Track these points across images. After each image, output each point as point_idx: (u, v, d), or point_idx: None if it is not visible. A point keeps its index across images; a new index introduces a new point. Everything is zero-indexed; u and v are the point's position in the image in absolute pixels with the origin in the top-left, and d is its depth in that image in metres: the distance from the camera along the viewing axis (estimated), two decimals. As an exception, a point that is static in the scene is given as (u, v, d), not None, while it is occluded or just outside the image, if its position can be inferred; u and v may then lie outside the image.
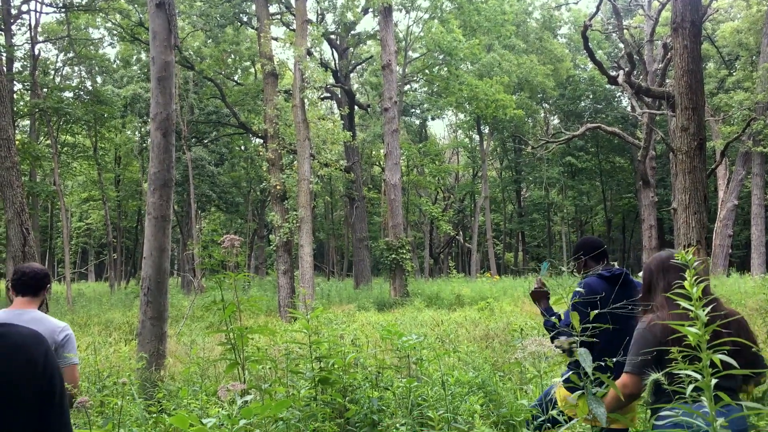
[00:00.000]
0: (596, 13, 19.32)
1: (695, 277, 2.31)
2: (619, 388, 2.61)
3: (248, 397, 2.53)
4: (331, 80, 31.64)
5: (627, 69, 18.17)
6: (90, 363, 7.40)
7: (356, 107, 34.53)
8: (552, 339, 3.55)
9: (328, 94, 33.29)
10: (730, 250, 28.04)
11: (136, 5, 27.01)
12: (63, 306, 22.41)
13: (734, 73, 30.04)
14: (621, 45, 30.01)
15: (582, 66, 45.31)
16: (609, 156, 45.62)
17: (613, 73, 18.75)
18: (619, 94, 42.19)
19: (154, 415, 4.69)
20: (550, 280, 4.03)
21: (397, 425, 3.74)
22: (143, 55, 33.17)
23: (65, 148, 32.50)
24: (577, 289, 3.60)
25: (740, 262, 36.95)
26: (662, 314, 2.67)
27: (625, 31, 22.48)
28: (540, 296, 4.02)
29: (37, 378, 1.77)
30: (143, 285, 7.24)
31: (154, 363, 6.82)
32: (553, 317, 3.78)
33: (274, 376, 4.66)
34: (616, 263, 4.08)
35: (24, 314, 3.65)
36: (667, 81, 20.55)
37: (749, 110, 25.19)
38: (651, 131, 21.62)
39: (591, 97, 43.81)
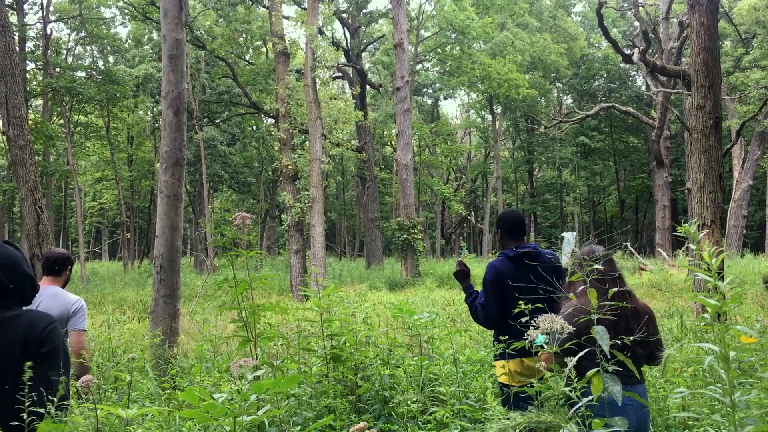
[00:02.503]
0: (611, -10, 19.06)
1: (714, 250, 2.28)
2: (543, 361, 2.81)
3: (259, 372, 2.53)
4: (343, 59, 31.47)
5: (642, 47, 17.95)
6: (104, 340, 7.47)
7: (368, 87, 34.37)
8: (471, 310, 4.04)
9: (340, 74, 33.15)
10: (745, 231, 27.85)
11: (147, -16, 26.91)
12: (77, 285, 22.64)
13: (751, 52, 29.57)
14: (636, 23, 29.65)
15: (596, 44, 44.79)
16: (623, 136, 45.21)
17: (628, 52, 18.54)
18: (634, 72, 41.72)
19: (168, 391, 4.74)
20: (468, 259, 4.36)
21: (409, 402, 3.75)
22: (155, 35, 33.09)
23: (78, 128, 32.63)
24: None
25: (754, 243, 36.71)
26: (582, 300, 2.87)
27: (640, 8, 22.18)
28: (462, 275, 4.23)
29: (33, 344, 2.58)
30: (156, 263, 7.28)
31: (167, 340, 6.88)
32: (472, 294, 4.09)
33: (286, 354, 4.68)
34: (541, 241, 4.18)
35: (46, 290, 4.22)
36: (683, 60, 20.29)
37: (766, 89, 24.85)
38: (666, 110, 21.42)
39: (605, 76, 43.33)
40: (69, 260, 4.52)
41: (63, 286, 4.50)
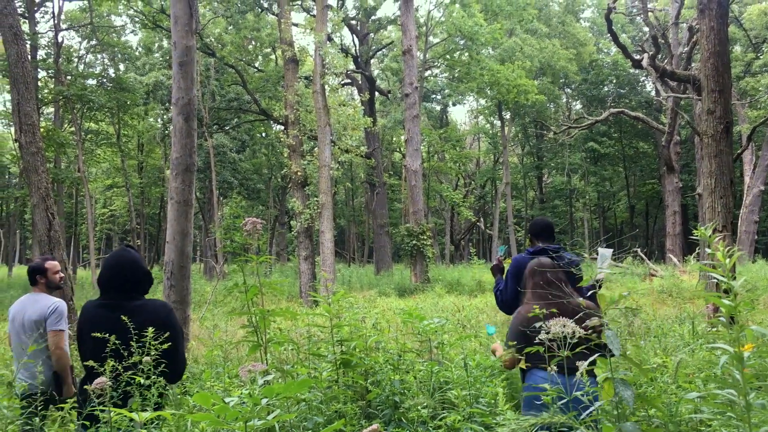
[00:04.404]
0: (620, -5, 19.02)
1: (728, 250, 2.28)
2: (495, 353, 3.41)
3: (270, 377, 2.53)
4: (352, 66, 31.59)
5: (651, 52, 17.92)
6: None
7: (377, 93, 34.42)
8: (495, 297, 4.90)
9: (349, 80, 33.22)
10: (756, 237, 27.65)
11: (157, -8, 27.10)
12: (88, 291, 22.71)
13: (761, 57, 29.46)
14: (645, 28, 29.58)
15: (605, 50, 44.70)
16: (632, 141, 45.06)
17: (638, 57, 18.50)
18: (644, 78, 41.62)
19: (178, 396, 4.74)
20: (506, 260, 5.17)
21: (419, 407, 3.74)
22: (165, 43, 33.29)
23: (89, 135, 32.81)
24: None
25: (765, 249, 36.47)
26: (527, 307, 3.39)
27: (649, 14, 22.14)
28: (497, 270, 5.12)
29: (159, 325, 3.35)
30: (166, 269, 7.31)
31: (177, 346, 6.88)
32: (498, 284, 4.93)
33: (296, 359, 4.68)
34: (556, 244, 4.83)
35: (30, 296, 4.90)
36: (693, 64, 20.22)
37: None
38: (676, 115, 21.34)
39: (614, 81, 43.23)
40: (36, 271, 4.94)
41: (51, 292, 4.95)
